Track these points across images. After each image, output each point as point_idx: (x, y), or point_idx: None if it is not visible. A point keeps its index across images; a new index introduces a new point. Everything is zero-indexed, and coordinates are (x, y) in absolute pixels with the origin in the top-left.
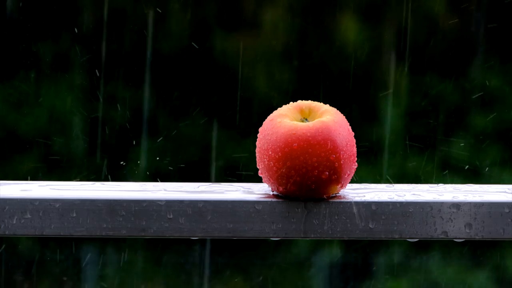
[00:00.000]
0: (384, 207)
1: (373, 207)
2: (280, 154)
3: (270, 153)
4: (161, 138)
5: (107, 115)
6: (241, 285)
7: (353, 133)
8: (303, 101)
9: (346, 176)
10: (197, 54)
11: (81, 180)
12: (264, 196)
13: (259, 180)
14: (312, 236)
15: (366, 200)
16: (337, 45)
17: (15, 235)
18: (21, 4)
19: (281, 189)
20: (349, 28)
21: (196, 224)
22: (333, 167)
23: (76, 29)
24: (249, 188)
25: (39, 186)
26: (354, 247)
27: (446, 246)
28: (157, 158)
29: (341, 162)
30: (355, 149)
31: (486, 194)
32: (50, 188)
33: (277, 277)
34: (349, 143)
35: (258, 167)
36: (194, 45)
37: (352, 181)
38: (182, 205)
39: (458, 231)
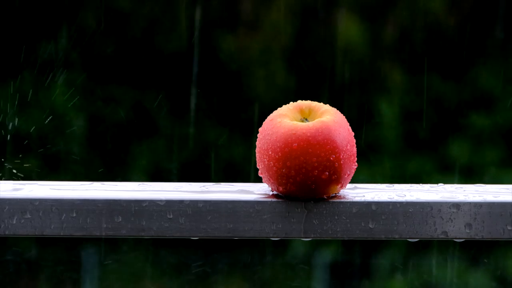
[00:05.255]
0: (384, 207)
1: (373, 207)
2: (280, 154)
3: (270, 153)
4: (161, 138)
5: (107, 115)
6: (240, 285)
7: (353, 133)
8: (303, 101)
9: (346, 176)
10: (198, 54)
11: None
12: (264, 196)
13: (259, 180)
14: (312, 236)
15: (366, 200)
16: (337, 45)
17: (15, 235)
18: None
19: (281, 189)
20: (349, 28)
21: (196, 224)
22: (333, 167)
23: (76, 29)
24: (249, 188)
25: (39, 186)
26: (354, 247)
27: (446, 246)
28: (157, 158)
29: (341, 162)
30: (355, 149)
31: (486, 194)
32: (50, 188)
33: (276, 277)
34: (349, 143)
35: (258, 167)
36: (195, 45)
37: (352, 181)
38: (182, 205)
39: (458, 231)
